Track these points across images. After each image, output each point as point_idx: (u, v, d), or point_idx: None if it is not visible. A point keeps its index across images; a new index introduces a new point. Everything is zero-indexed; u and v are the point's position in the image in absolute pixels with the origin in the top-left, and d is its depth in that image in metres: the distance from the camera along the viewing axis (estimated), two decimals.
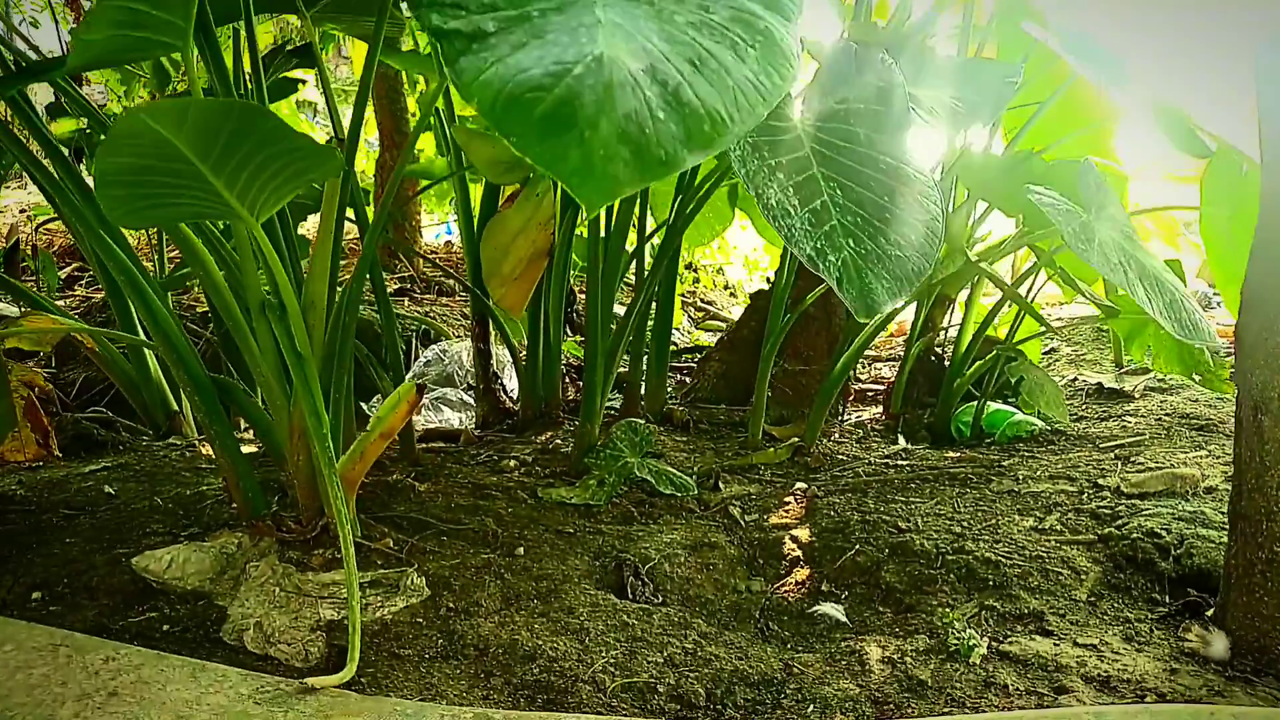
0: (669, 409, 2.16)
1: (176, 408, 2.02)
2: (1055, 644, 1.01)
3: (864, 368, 2.87)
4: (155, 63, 3.55)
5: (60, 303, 2.98)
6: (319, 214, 2.05)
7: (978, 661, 0.98)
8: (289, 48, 1.52)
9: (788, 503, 1.47)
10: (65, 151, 1.21)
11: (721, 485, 1.55)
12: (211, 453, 1.77)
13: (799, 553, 1.30)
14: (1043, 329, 2.00)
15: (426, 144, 5.10)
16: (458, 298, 3.48)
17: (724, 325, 4.38)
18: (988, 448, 1.84)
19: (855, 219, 1.18)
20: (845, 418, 2.20)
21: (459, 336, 3.09)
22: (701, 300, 4.47)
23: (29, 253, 2.84)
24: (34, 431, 1.45)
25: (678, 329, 3.86)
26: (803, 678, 0.98)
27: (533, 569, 1.23)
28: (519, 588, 1.17)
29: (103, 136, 2.40)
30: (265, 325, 1.22)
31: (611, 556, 1.28)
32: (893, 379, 2.74)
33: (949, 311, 2.44)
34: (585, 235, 2.00)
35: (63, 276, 3.08)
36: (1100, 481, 1.45)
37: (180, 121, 0.82)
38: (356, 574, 1.03)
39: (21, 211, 4.57)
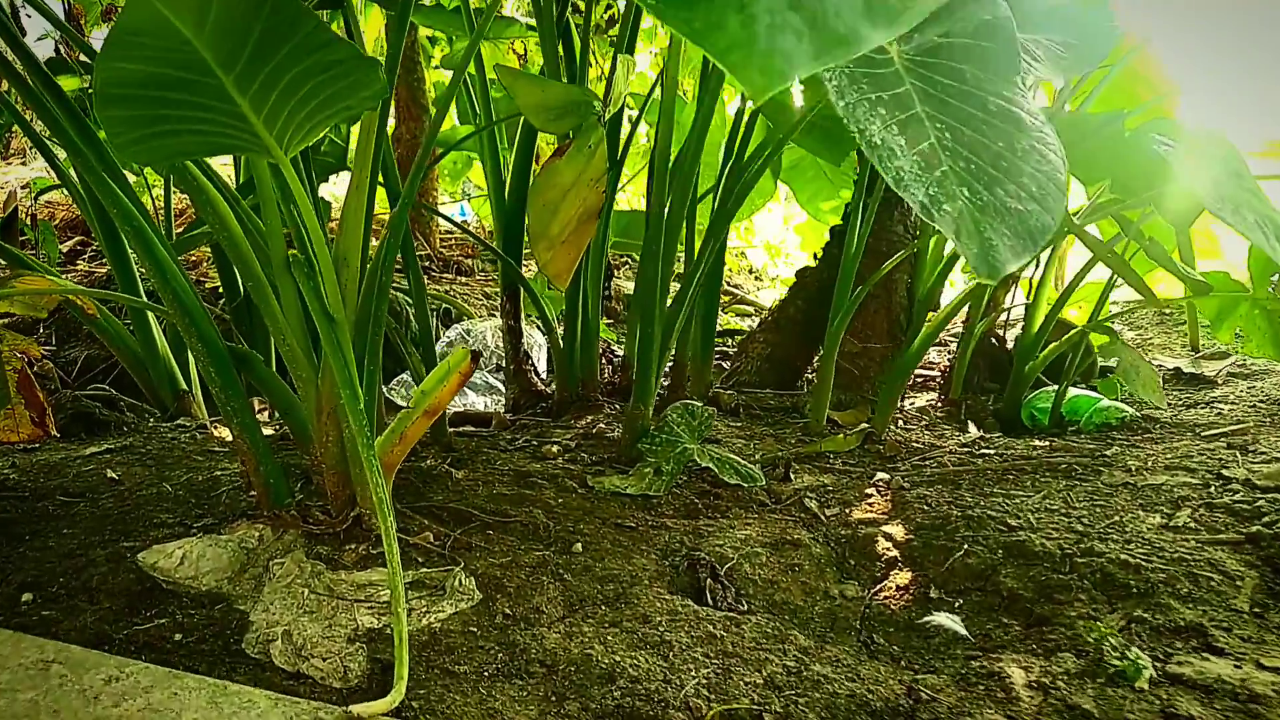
0: (715, 393, 1.99)
1: (185, 386, 1.87)
2: (1235, 665, 0.85)
3: None
4: None
5: (62, 278, 2.83)
6: (340, 173, 1.88)
7: (1146, 686, 0.82)
8: None
9: (870, 495, 1.31)
10: (66, 89, 1.05)
11: (792, 475, 1.39)
12: (226, 434, 1.61)
13: (895, 553, 1.14)
14: (1136, 306, 1.84)
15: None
16: (478, 277, 3.32)
17: (751, 309, 4.21)
18: (1076, 436, 1.67)
19: (969, 166, 1.02)
20: (902, 404, 2.04)
21: (481, 316, 2.93)
22: (727, 283, 4.30)
23: (28, 223, 2.68)
24: (29, 409, 1.29)
25: None
26: (935, 707, 0.82)
27: (595, 569, 1.07)
28: (583, 591, 1.02)
29: None
30: (290, 284, 1.07)
31: (682, 555, 1.13)
32: (945, 362, 2.58)
33: (1011, 290, 2.28)
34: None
35: (64, 250, 2.92)
36: (1224, 473, 1.28)
37: (203, 14, 0.66)
38: (401, 574, 0.87)
39: (23, 188, 4.41)
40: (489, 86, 1.99)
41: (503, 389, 2.57)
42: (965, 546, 1.11)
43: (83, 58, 2.16)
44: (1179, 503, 1.20)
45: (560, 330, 1.96)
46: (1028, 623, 0.98)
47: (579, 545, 1.13)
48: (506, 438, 1.66)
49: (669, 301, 1.64)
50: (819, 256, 2.37)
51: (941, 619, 1.00)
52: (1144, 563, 1.03)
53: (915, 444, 1.58)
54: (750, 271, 4.78)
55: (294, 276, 1.05)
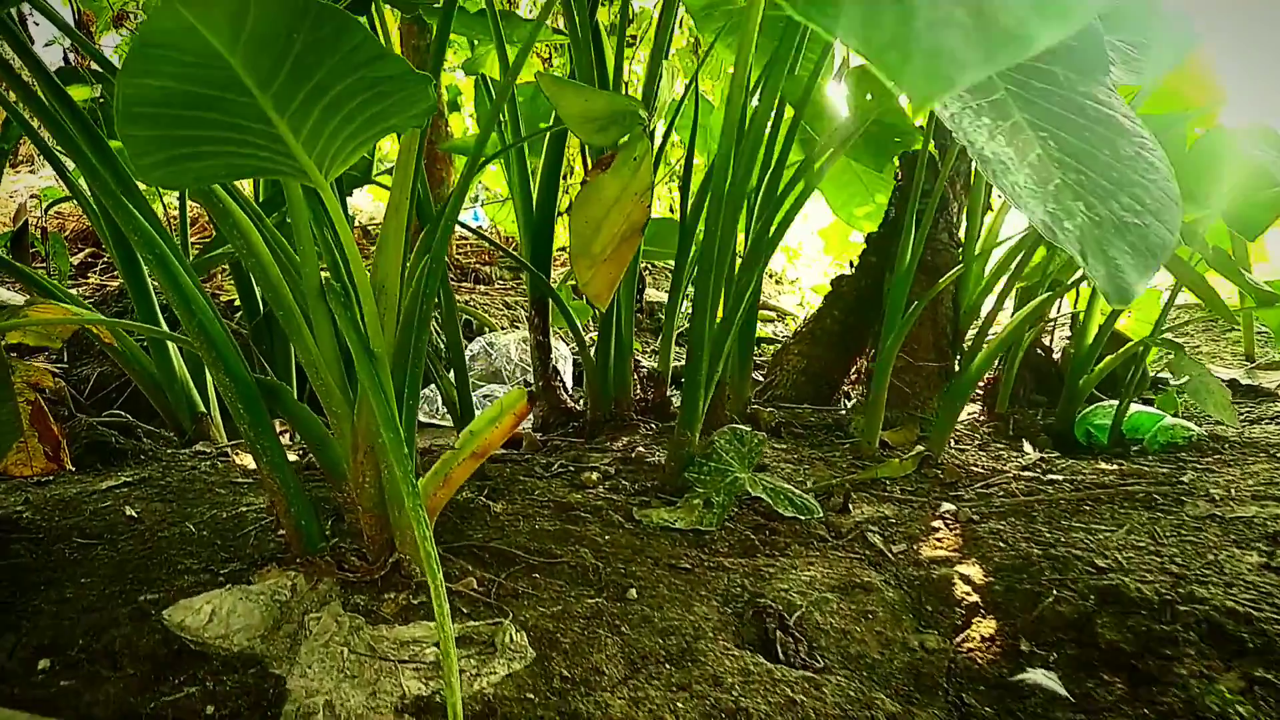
0: (754, 409, 1.91)
1: (204, 409, 1.79)
2: None
3: None
4: None
5: (73, 291, 2.76)
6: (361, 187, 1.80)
7: None
8: None
9: (937, 529, 1.23)
10: (76, 100, 0.97)
11: (850, 506, 1.31)
12: (247, 461, 1.54)
13: (975, 597, 1.05)
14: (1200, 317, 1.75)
15: (455, 123, 4.86)
16: (497, 285, 3.24)
17: (773, 314, 4.13)
18: (1142, 457, 1.59)
19: (1080, 177, 0.93)
20: None
21: (503, 328, 2.86)
22: None
23: (38, 236, 2.62)
24: (42, 442, 1.22)
25: None
26: None
27: (654, 619, 0.99)
28: (644, 646, 0.93)
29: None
30: (325, 314, 0.99)
31: (745, 600, 1.04)
32: (988, 373, 2.49)
33: (1058, 300, 2.19)
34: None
35: (75, 262, 2.85)
36: None
37: (238, 26, 0.58)
38: (453, 638, 0.79)
39: (31, 196, 4.35)
40: (515, 92, 1.92)
41: None
42: (1054, 591, 1.02)
43: (94, 66, 2.09)
44: (1276, 538, 1.12)
45: (590, 344, 1.88)
46: (1133, 681, 0.89)
47: (633, 590, 1.05)
48: (541, 462, 1.58)
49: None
50: (855, 265, 2.29)
51: (1037, 676, 0.91)
52: (1253, 611, 0.94)
53: (974, 468, 1.49)
54: (770, 275, 4.69)
55: (329, 306, 0.97)
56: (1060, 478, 1.42)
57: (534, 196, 1.93)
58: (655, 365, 2.55)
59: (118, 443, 1.51)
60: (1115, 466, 1.48)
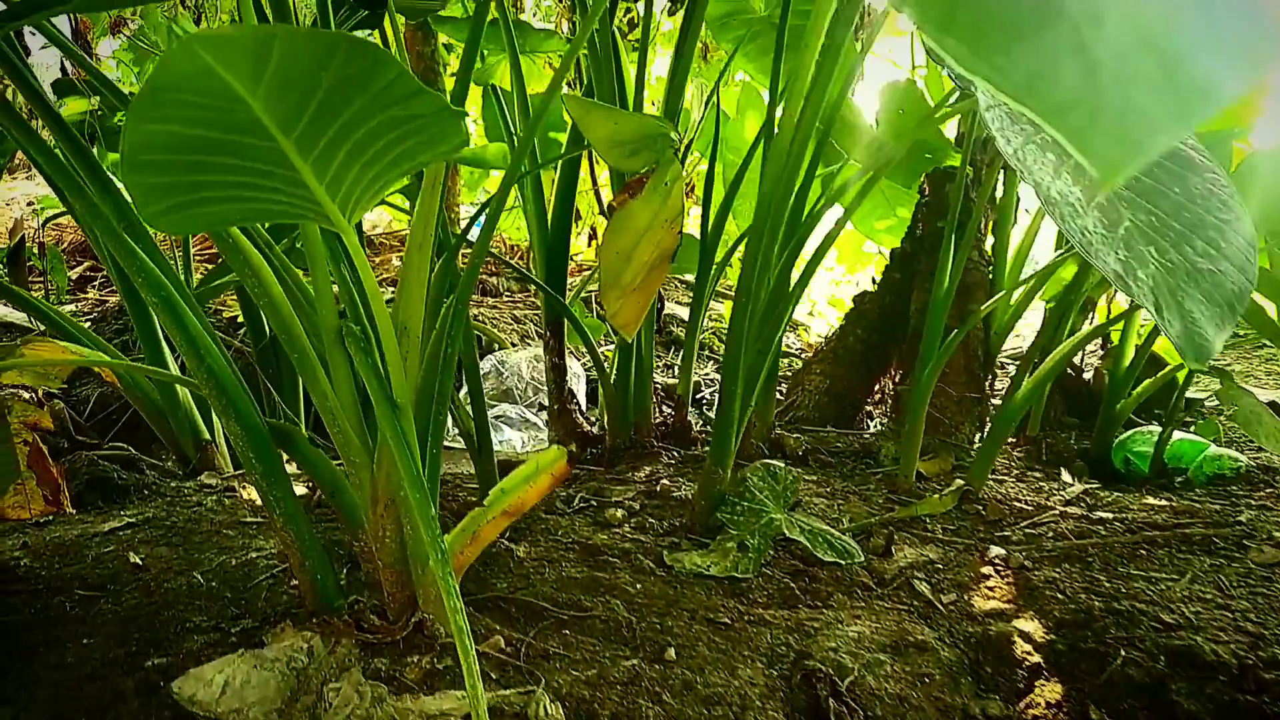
0: (779, 435, 1.85)
1: (209, 436, 1.73)
2: None
3: None
4: (170, 34, 3.26)
5: (70, 306, 2.69)
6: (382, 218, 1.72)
7: None
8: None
9: (987, 576, 1.16)
10: (75, 131, 0.90)
11: (893, 549, 1.24)
12: (254, 495, 1.47)
13: (1037, 658, 0.99)
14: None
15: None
16: (505, 298, 3.17)
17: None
18: (1189, 491, 1.52)
19: (1149, 218, 0.87)
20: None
21: (512, 344, 2.79)
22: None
23: (35, 251, 2.55)
24: (41, 485, 1.15)
25: None
26: None
27: (696, 684, 0.92)
28: (688, 718, 0.87)
29: (121, 117, 2.09)
30: (342, 359, 0.92)
31: (791, 661, 0.98)
32: None
33: (1089, 317, 2.12)
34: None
35: (73, 276, 2.79)
36: None
37: (260, 66, 0.51)
38: (485, 712, 0.72)
39: (29, 204, 4.28)
40: (528, 103, 1.85)
41: (539, 424, 2.43)
42: (1121, 651, 0.96)
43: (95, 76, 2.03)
44: None
45: (605, 359, 1.82)
46: None
47: (672, 650, 0.98)
48: (562, 495, 1.51)
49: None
50: (878, 281, 2.22)
51: None
52: None
53: (1017, 503, 1.43)
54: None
55: (347, 350, 0.91)
56: (1109, 515, 1.35)
57: (549, 214, 1.86)
58: (670, 381, 2.49)
59: (120, 478, 1.44)
60: (1164, 502, 1.41)
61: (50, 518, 1.30)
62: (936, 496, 1.39)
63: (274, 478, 0.96)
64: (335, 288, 0.96)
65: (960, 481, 1.44)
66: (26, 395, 1.20)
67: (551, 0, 3.91)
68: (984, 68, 0.31)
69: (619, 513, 1.39)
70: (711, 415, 2.58)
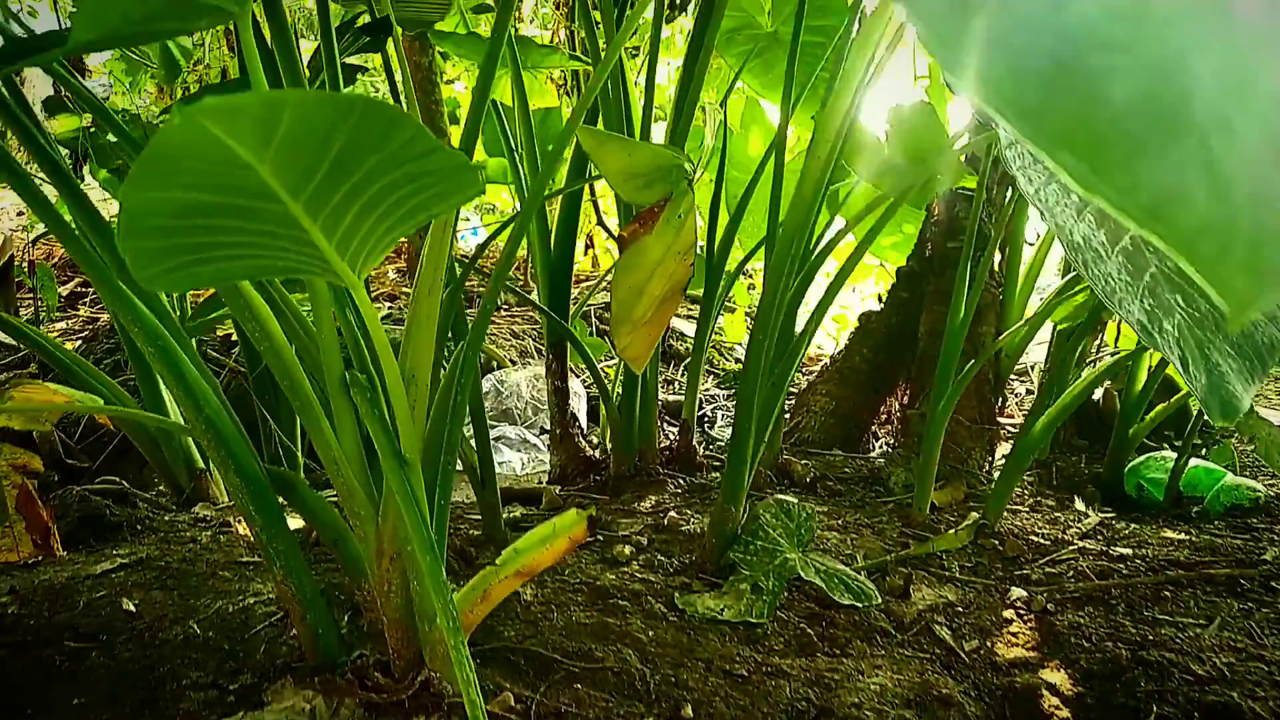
0: (786, 460, 1.81)
1: (203, 465, 1.68)
2: None
3: None
4: (163, 48, 3.21)
5: (61, 324, 2.64)
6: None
7: None
8: (359, 23, 1.18)
9: (1009, 621, 1.13)
10: (69, 170, 0.86)
11: (911, 589, 1.21)
12: (247, 533, 1.43)
13: (1066, 712, 0.95)
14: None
15: (454, 134, 4.74)
16: (503, 312, 3.13)
17: None
18: (1206, 522, 1.49)
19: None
20: (988, 466, 1.86)
21: (511, 360, 2.75)
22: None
23: (24, 268, 2.50)
24: (30, 530, 1.11)
25: (738, 344, 3.52)
26: None
27: None
28: None
29: (110, 137, 2.04)
30: (348, 409, 0.88)
31: (813, 718, 0.94)
32: (1022, 415, 2.40)
33: (1098, 337, 2.10)
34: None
35: (64, 294, 2.74)
36: None
37: (269, 132, 0.48)
38: None
39: (19, 214, 4.22)
40: (530, 120, 1.81)
41: (539, 445, 2.39)
42: (1154, 707, 0.93)
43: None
44: None
45: (605, 377, 1.78)
46: None
47: (689, 708, 0.95)
48: None
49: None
50: (884, 300, 2.20)
51: None
52: None
53: (1033, 537, 1.40)
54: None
55: (353, 400, 0.87)
56: (1128, 551, 1.32)
57: (552, 234, 1.83)
58: (670, 398, 2.45)
59: (112, 514, 1.39)
60: (1184, 537, 1.38)
61: (40, 558, 1.26)
62: (953, 532, 1.36)
63: (274, 529, 0.92)
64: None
65: (976, 515, 1.40)
66: (16, 426, 1.16)
67: (549, 8, 3.87)
68: (1107, 189, 0.27)
69: (627, 549, 1.35)
70: (713, 434, 2.55)
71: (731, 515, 1.26)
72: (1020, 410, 2.42)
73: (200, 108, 0.43)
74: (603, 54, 1.64)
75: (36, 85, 3.77)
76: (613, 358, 2.93)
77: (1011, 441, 2.12)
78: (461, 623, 0.88)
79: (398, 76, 1.41)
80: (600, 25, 1.70)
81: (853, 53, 1.11)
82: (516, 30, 3.66)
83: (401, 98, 1.34)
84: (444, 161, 0.59)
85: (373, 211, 0.62)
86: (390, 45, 1.48)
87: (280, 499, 0.95)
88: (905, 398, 2.07)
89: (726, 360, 3.27)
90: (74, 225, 0.83)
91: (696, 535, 1.40)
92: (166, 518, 1.49)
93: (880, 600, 1.18)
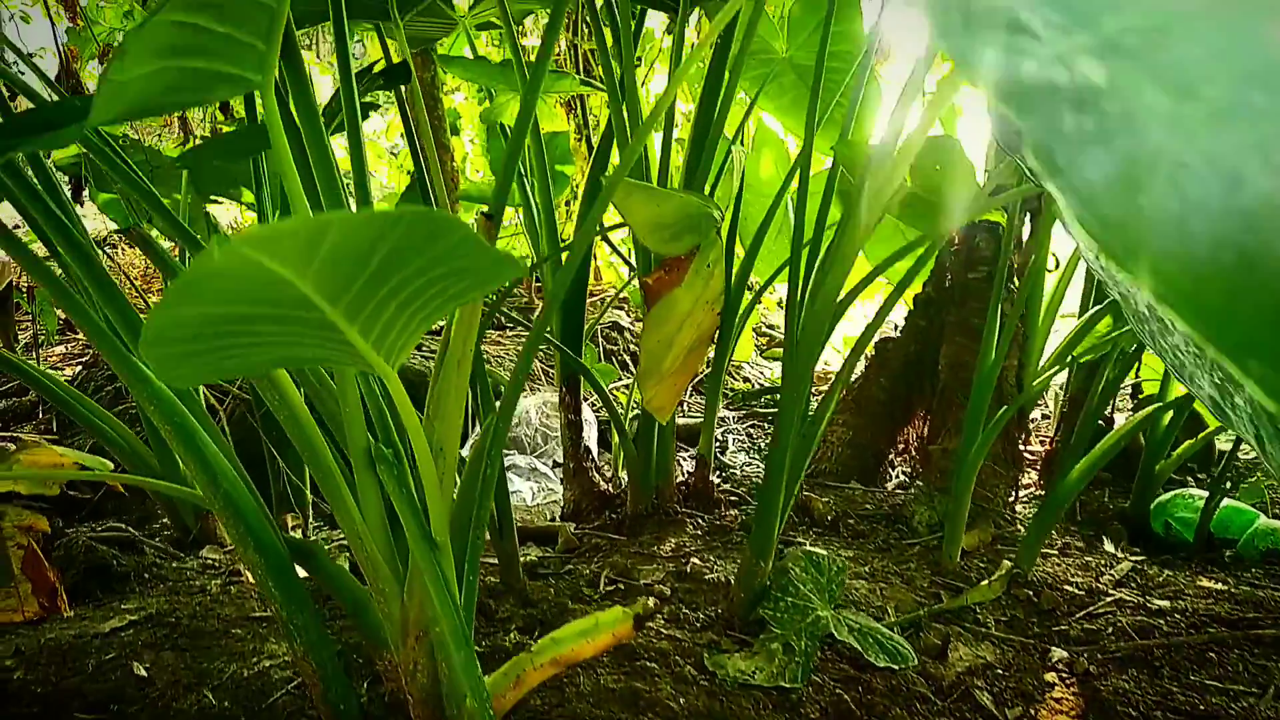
0: (805, 496, 1.78)
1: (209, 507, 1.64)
2: None
3: None
4: None
5: (60, 349, 2.60)
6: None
7: None
8: (376, 67, 1.14)
9: (1052, 685, 1.09)
10: (81, 238, 0.82)
11: (948, 650, 1.17)
12: (265, 601, 1.39)
13: None
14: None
15: (467, 154, 4.71)
16: (509, 332, 3.09)
17: None
18: (1241, 569, 1.46)
19: None
20: (1012, 503, 1.82)
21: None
22: (764, 324, 4.08)
23: (23, 293, 2.46)
24: (37, 592, 1.07)
25: (747, 362, 3.48)
26: None
27: None
28: None
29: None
30: (372, 484, 0.84)
31: None
32: (1039, 440, 2.37)
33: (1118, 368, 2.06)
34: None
35: (63, 317, 2.69)
36: None
37: (310, 253, 0.44)
38: None
39: (16, 227, 4.17)
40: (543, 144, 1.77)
41: (550, 474, 2.35)
42: None
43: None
44: None
45: (617, 403, 1.74)
46: None
47: None
48: (586, 575, 1.44)
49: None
50: (901, 328, 2.16)
51: None
52: None
53: (1067, 586, 1.36)
54: (781, 306, 4.55)
55: (378, 475, 0.83)
56: (1165, 603, 1.29)
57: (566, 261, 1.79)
58: (682, 422, 2.41)
59: (119, 564, 1.35)
60: (1221, 587, 1.34)
61: (44, 614, 1.22)
62: (986, 583, 1.32)
63: (295, 605, 0.89)
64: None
65: (1008, 564, 1.37)
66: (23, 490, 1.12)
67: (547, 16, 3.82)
68: (1215, 332, 0.24)
69: (651, 602, 1.31)
70: (725, 459, 2.51)
71: (760, 570, 1.22)
72: (1037, 437, 2.39)
73: (244, 239, 0.39)
74: (617, 73, 1.60)
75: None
76: (622, 381, 2.90)
77: (1033, 470, 2.09)
78: (493, 707, 0.84)
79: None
80: (611, 44, 1.66)
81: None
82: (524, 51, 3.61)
83: (423, 141, 1.30)
84: (484, 256, 0.56)
85: (410, 306, 0.58)
86: (418, 94, 1.44)
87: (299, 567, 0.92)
88: (924, 428, 2.03)
89: (734, 380, 3.23)
90: (89, 300, 0.79)
91: (721, 585, 1.36)
92: (174, 565, 1.45)
93: (916, 661, 1.14)
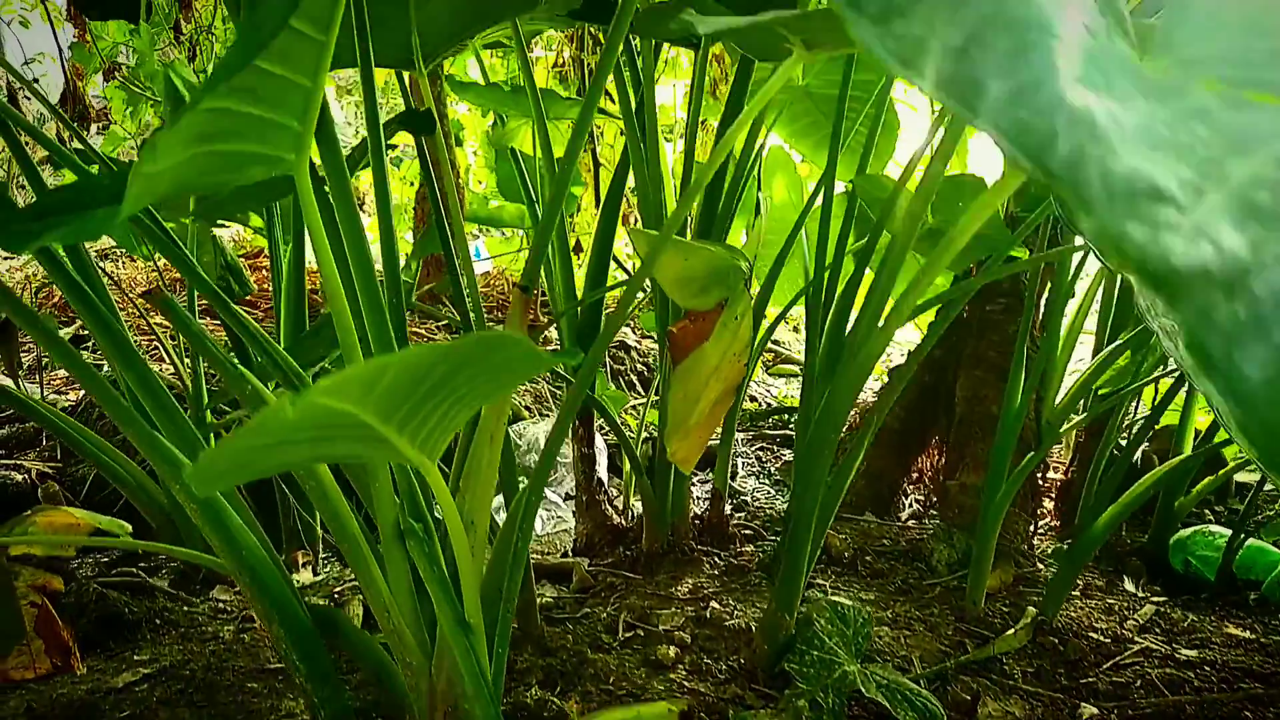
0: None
1: None
2: None
3: None
4: (166, 80, 3.14)
5: (62, 372, 2.57)
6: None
7: None
8: (400, 114, 1.12)
9: None
10: (131, 343, 0.80)
11: (978, 707, 1.16)
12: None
13: None
14: None
15: (485, 177, 4.68)
16: None
17: (796, 369, 3.98)
18: (1267, 611, 1.44)
19: None
20: (1032, 539, 1.81)
21: (526, 408, 2.69)
22: (770, 341, 4.06)
23: None
24: (50, 653, 1.05)
25: (755, 380, 3.47)
26: None
27: None
28: None
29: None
30: (401, 558, 0.82)
31: None
32: (1051, 468, 2.35)
33: (1135, 399, 2.05)
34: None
35: (65, 337, 2.67)
36: None
37: (369, 389, 0.42)
38: None
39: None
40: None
41: (560, 503, 2.33)
42: None
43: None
44: None
45: (629, 430, 1.72)
46: None
47: None
48: (604, 619, 1.42)
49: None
50: (907, 355, 2.14)
51: None
52: None
53: (1092, 633, 1.34)
54: (795, 329, 4.54)
55: (406, 550, 0.81)
56: (1193, 653, 1.27)
57: (578, 294, 1.77)
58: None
59: (130, 612, 1.33)
60: (1249, 635, 1.33)
61: (56, 669, 1.19)
62: (1012, 632, 1.30)
63: (318, 678, 0.87)
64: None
65: (1033, 611, 1.35)
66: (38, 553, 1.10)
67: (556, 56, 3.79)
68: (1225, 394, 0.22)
69: (671, 650, 1.29)
70: (735, 485, 2.49)
71: (785, 623, 1.20)
72: (1051, 461, 2.37)
73: (318, 390, 0.37)
74: (631, 97, 1.58)
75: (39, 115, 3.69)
76: (632, 402, 2.88)
77: (1047, 497, 2.08)
78: None
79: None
80: (628, 67, 1.64)
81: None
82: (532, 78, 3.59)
83: (444, 183, 1.28)
84: (528, 356, 0.54)
85: (454, 409, 0.56)
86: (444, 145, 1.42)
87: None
88: (939, 458, 2.02)
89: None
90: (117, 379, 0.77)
91: (741, 631, 1.35)
92: (185, 609, 1.43)
93: (946, 718, 1.12)
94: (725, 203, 1.50)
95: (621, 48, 1.65)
